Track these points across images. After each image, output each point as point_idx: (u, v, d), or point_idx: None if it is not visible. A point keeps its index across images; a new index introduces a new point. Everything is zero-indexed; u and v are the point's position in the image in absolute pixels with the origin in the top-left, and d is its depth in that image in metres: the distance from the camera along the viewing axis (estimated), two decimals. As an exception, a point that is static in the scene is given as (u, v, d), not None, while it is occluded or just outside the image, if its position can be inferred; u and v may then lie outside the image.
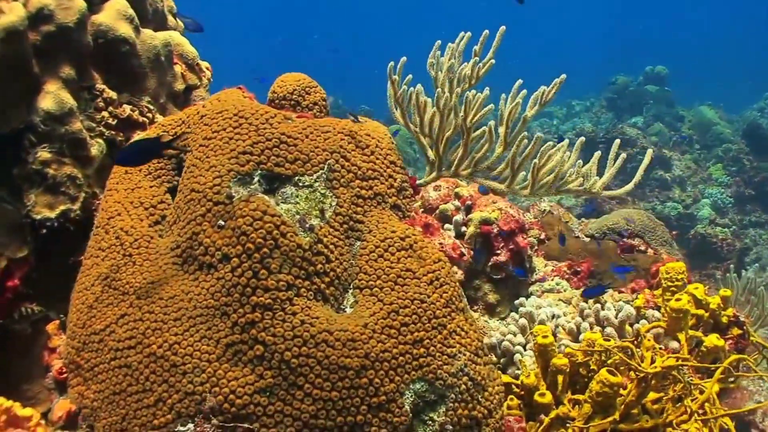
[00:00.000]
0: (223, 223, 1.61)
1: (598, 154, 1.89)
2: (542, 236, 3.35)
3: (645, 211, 3.41)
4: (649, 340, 1.94)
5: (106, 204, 1.81)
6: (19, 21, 1.69)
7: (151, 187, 1.81)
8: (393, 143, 1.92)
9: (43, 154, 1.78)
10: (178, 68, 2.18)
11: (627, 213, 3.49)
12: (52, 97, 1.78)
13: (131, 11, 1.98)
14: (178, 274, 1.65)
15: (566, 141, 1.87)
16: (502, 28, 2.05)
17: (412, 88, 1.92)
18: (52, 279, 1.86)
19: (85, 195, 1.85)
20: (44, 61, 1.78)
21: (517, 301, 2.65)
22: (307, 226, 1.64)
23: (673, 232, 3.39)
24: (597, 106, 12.18)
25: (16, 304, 1.79)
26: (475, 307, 2.87)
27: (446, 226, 2.86)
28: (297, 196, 1.69)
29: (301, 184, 1.71)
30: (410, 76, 1.94)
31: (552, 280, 3.01)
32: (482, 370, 1.72)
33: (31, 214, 1.78)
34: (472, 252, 2.26)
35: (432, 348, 1.65)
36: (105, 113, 1.91)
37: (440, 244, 2.18)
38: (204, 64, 2.35)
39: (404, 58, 1.96)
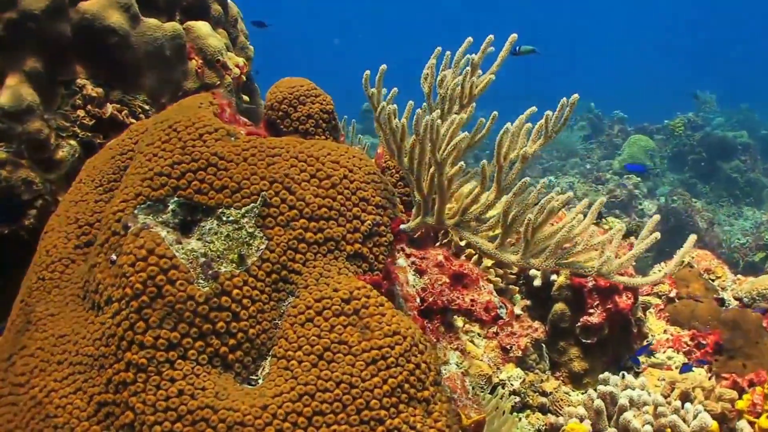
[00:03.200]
0: (114, 258, 1.34)
1: (620, 226, 1.32)
2: (671, 293, 2.71)
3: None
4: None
5: (52, 216, 1.62)
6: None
7: (96, 201, 1.58)
8: (382, 173, 1.51)
9: (-3, 154, 1.63)
10: (193, 64, 1.93)
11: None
12: (10, 92, 1.61)
13: (127, -2, 1.76)
14: (77, 309, 1.41)
15: (585, 201, 1.32)
16: (513, 35, 1.54)
17: (392, 106, 1.49)
18: (10, 291, 1.72)
19: (43, 202, 1.67)
20: (4, 52, 1.62)
21: (602, 376, 2.11)
22: (210, 273, 1.31)
23: None
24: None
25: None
26: (557, 374, 2.36)
27: (532, 272, 2.38)
28: (216, 234, 1.36)
29: (224, 218, 1.38)
30: (395, 89, 1.51)
31: (664, 352, 2.40)
32: (438, 484, 1.29)
33: (-21, 219, 1.64)
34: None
35: (355, 449, 1.26)
36: (81, 112, 1.72)
37: (471, 300, 1.74)
38: (235, 61, 2.06)
39: (384, 66, 1.53)
